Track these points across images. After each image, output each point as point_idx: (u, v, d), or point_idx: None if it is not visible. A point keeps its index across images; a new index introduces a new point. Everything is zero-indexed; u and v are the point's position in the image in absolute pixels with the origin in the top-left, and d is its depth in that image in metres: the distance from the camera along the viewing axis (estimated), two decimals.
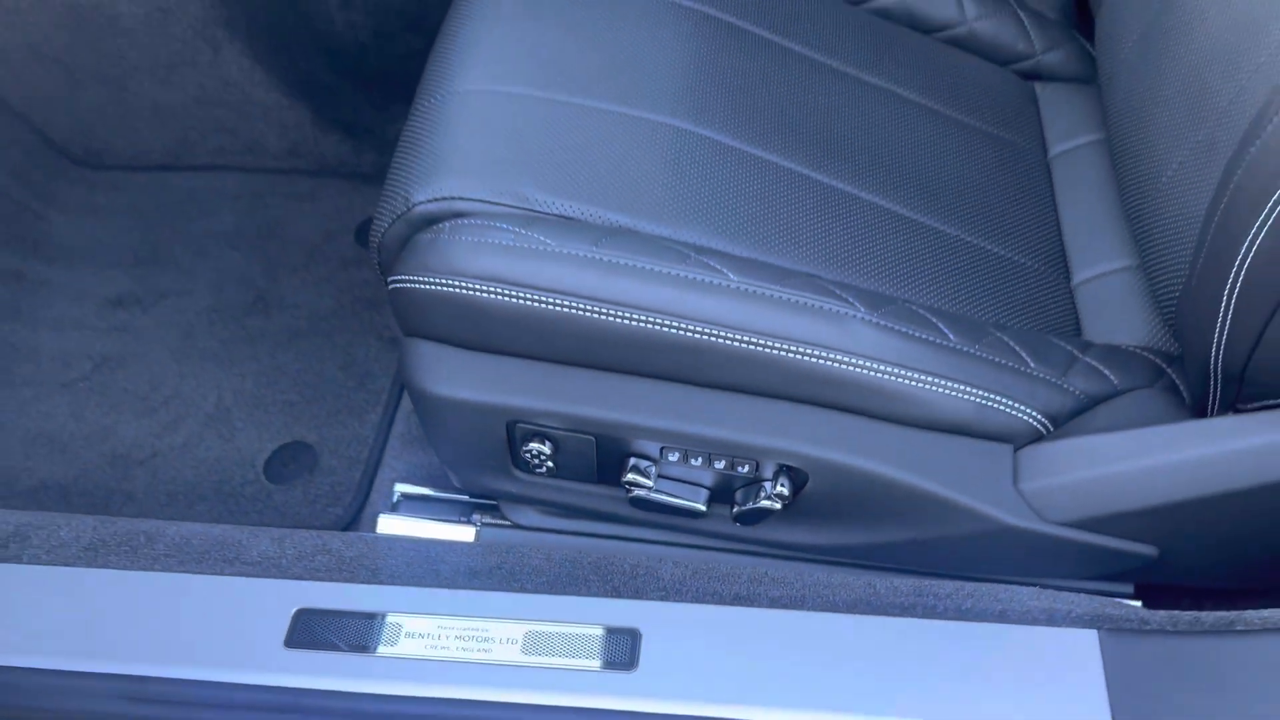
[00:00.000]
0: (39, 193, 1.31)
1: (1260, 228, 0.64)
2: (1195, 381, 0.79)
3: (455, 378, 0.79)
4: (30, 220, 1.29)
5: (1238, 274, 0.68)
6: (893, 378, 0.76)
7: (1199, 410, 0.80)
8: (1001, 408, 0.78)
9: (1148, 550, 0.79)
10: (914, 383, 0.76)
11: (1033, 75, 1.14)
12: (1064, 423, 0.80)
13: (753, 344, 0.75)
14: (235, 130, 1.33)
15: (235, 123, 1.32)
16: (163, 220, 1.30)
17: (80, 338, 1.19)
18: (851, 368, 0.75)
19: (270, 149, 1.33)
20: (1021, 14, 1.13)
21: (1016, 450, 0.78)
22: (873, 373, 0.75)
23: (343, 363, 1.14)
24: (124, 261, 1.26)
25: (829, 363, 0.75)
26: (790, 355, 0.75)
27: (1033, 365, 0.80)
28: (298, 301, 1.20)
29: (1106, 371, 0.83)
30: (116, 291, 1.24)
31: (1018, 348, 0.81)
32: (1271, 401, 0.76)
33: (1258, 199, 0.64)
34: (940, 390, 0.76)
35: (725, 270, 0.76)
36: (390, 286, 0.81)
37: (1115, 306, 0.94)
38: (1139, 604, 0.78)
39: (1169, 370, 0.85)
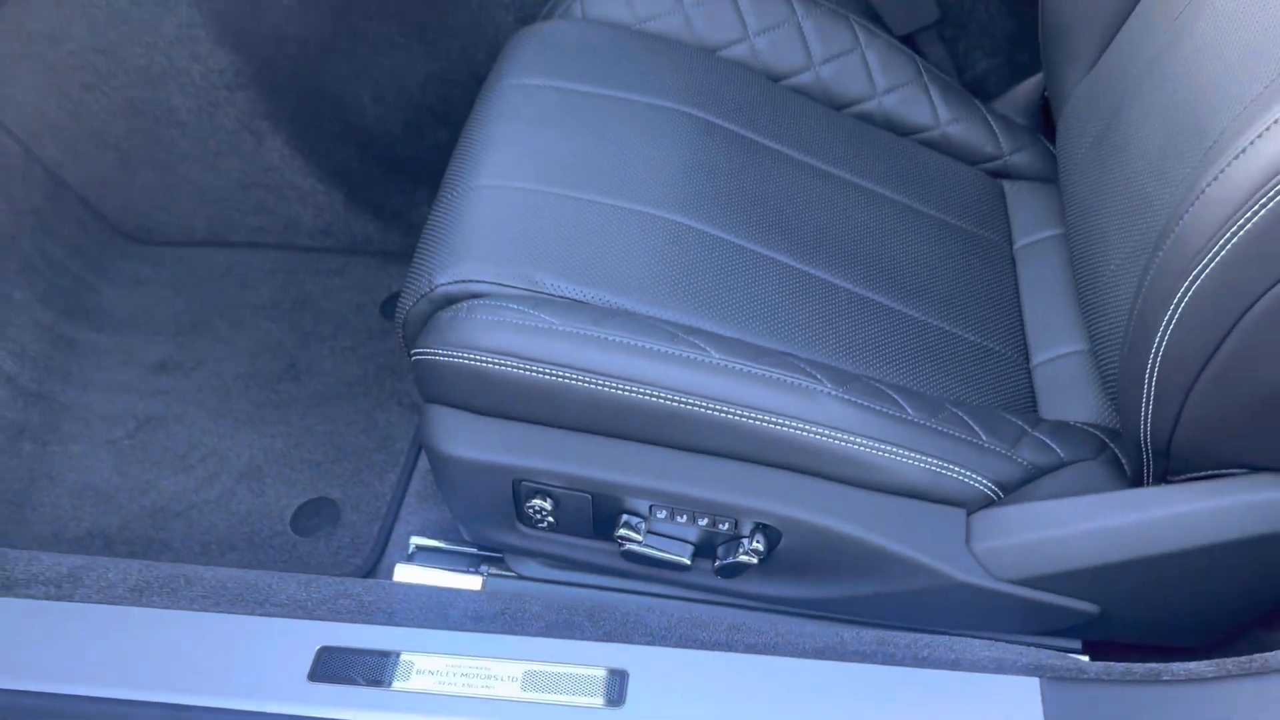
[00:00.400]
0: (93, 266, 1.43)
1: (1168, 323, 0.74)
2: (1132, 456, 0.88)
3: (468, 440, 0.89)
4: (84, 291, 1.40)
5: (1154, 363, 0.77)
6: (856, 446, 0.85)
7: (1136, 482, 0.89)
8: (955, 475, 0.87)
9: (1089, 608, 0.88)
10: (875, 451, 0.85)
11: (1001, 174, 1.24)
12: (1013, 490, 0.89)
13: (732, 414, 0.84)
14: (274, 211, 1.45)
15: (274, 204, 1.44)
16: (204, 292, 1.41)
17: (126, 399, 1.29)
18: (819, 436, 0.85)
19: (305, 228, 1.45)
20: (990, 119, 1.24)
21: (969, 514, 0.87)
22: (838, 441, 0.85)
23: (366, 426, 1.24)
24: (168, 329, 1.37)
25: (799, 432, 0.84)
26: (765, 424, 0.84)
27: (984, 438, 0.89)
28: (326, 369, 1.31)
29: (1053, 445, 0.92)
30: (160, 357, 1.34)
31: (971, 422, 0.90)
32: (1195, 474, 0.85)
33: (1166, 296, 0.74)
34: (899, 458, 0.86)
35: (709, 348, 0.86)
36: (413, 358, 0.91)
37: (1069, 386, 1.03)
38: (1086, 658, 0.86)
39: (1112, 445, 0.94)
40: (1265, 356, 0.72)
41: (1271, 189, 0.65)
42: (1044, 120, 1.29)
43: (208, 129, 1.39)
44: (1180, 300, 0.73)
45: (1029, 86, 1.29)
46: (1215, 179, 0.70)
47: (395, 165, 1.46)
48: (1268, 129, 0.67)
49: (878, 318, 1.00)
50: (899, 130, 1.22)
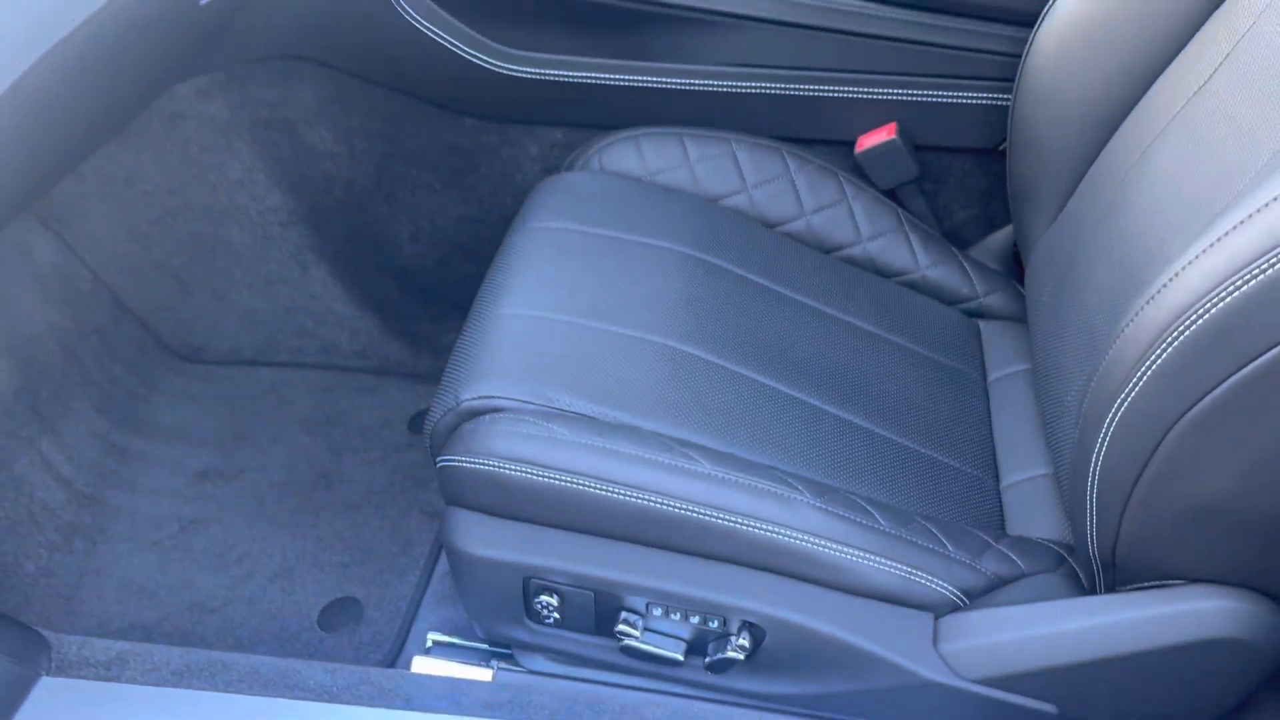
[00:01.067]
0: (146, 381, 1.56)
1: (1100, 447, 0.85)
2: (1085, 568, 0.98)
3: (484, 540, 1.00)
4: (137, 404, 1.53)
5: (1093, 484, 0.87)
6: (833, 551, 0.95)
7: (1090, 592, 0.98)
8: (923, 581, 0.96)
9: (1048, 708, 0.95)
10: (850, 556, 0.95)
11: (976, 314, 1.37)
12: (977, 597, 0.98)
13: (721, 519, 0.95)
14: (314, 334, 1.58)
15: (315, 328, 1.58)
16: (247, 407, 1.54)
17: (171, 503, 1.41)
18: (799, 541, 0.95)
19: (342, 350, 1.59)
20: (966, 264, 1.37)
21: (937, 618, 0.96)
22: (816, 546, 0.95)
23: (390, 531, 1.35)
24: (212, 440, 1.49)
25: (781, 536, 0.94)
26: (750, 529, 0.95)
27: (951, 549, 0.99)
28: (356, 478, 1.42)
29: (1015, 557, 1.01)
30: (204, 465, 1.46)
31: (939, 534, 1.00)
32: (1140, 584, 0.94)
33: (1097, 424, 0.85)
34: (872, 564, 0.95)
35: (702, 460, 0.97)
36: (439, 465, 1.02)
37: (1034, 507, 1.13)
38: None
39: (1069, 559, 1.03)
40: (1186, 476, 0.82)
41: (1177, 329, 0.77)
42: (1015, 266, 1.42)
43: (260, 260, 1.54)
44: (1108, 427, 0.84)
45: (1001, 236, 1.43)
46: (1132, 320, 0.81)
47: (427, 295, 1.60)
48: (1174, 277, 0.79)
49: (857, 438, 1.11)
50: (882, 273, 1.36)
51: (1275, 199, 0.74)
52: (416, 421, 1.50)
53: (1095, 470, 0.87)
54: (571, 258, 1.20)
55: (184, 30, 1.14)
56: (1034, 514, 1.12)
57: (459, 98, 1.44)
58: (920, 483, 1.10)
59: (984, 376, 1.30)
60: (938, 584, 0.96)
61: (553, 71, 1.39)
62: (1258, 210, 0.74)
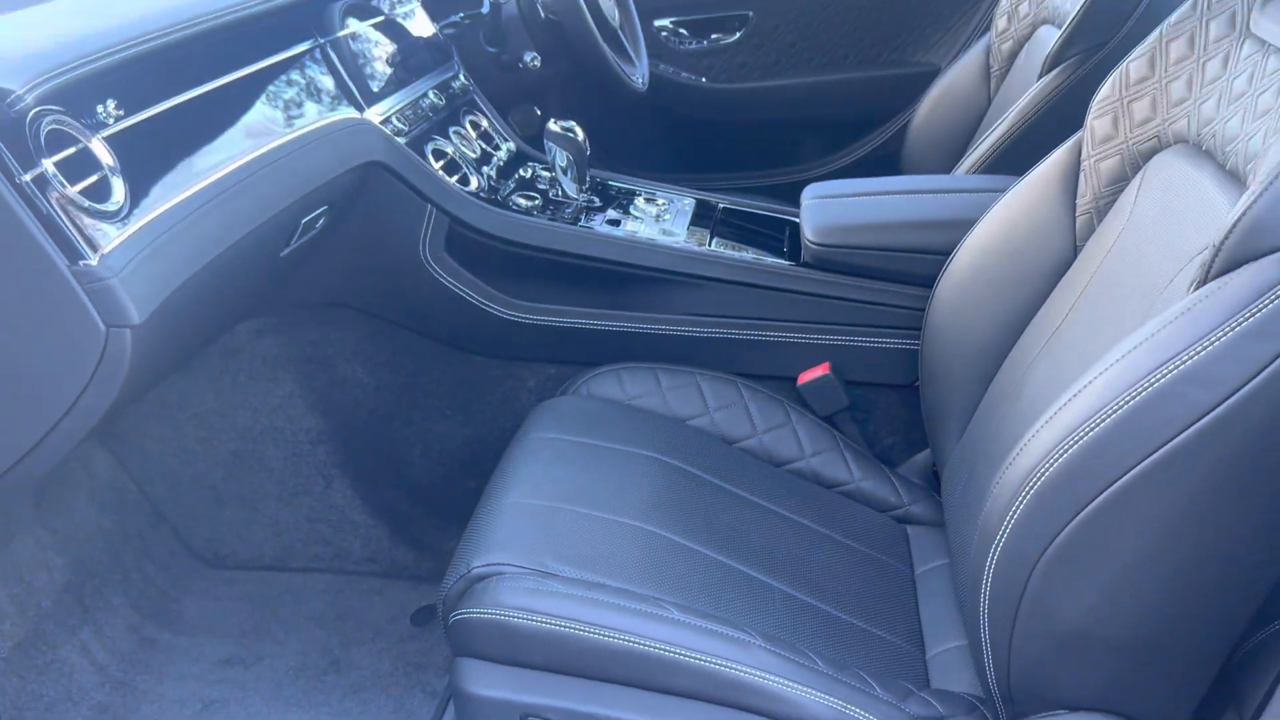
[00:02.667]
0: (177, 583, 1.75)
1: (985, 589, 1.07)
2: (992, 710, 1.17)
3: (489, 682, 1.18)
4: (167, 602, 1.71)
5: (984, 622, 1.09)
6: (779, 685, 1.14)
7: None
8: (855, 715, 1.15)
9: None
10: (794, 690, 1.14)
11: (904, 520, 1.61)
12: None
13: (687, 657, 1.15)
14: (330, 541, 1.80)
15: (332, 535, 1.80)
16: (266, 606, 1.72)
17: (195, 686, 1.56)
18: (750, 676, 1.14)
19: (354, 555, 1.79)
20: (894, 479, 1.64)
21: None
22: (764, 680, 1.14)
23: (394, 709, 1.51)
24: (233, 634, 1.67)
25: (736, 672, 1.14)
26: (710, 665, 1.14)
27: (880, 691, 1.19)
28: (364, 665, 1.59)
29: (935, 703, 1.21)
30: (225, 654, 1.63)
31: (870, 680, 1.20)
32: (1034, 717, 1.13)
33: (980, 568, 1.08)
34: (812, 697, 1.14)
35: (672, 609, 1.19)
36: (451, 620, 1.22)
37: (954, 669, 1.33)
38: None
39: (981, 706, 1.22)
40: (1052, 608, 1.04)
41: (1029, 485, 1.02)
42: (935, 480, 1.68)
43: (290, 475, 1.78)
44: (989, 571, 1.07)
45: (922, 457, 1.71)
46: (997, 482, 1.07)
47: (433, 507, 1.83)
48: (1024, 446, 1.05)
49: (801, 608, 1.32)
50: (823, 484, 1.61)
51: (1087, 386, 1.02)
52: (419, 616, 1.69)
53: (984, 609, 1.09)
54: (563, 460, 1.45)
55: (264, 276, 1.45)
56: (954, 674, 1.32)
57: (470, 339, 1.74)
58: (854, 646, 1.31)
59: (911, 570, 1.52)
60: (867, 719, 1.15)
61: (550, 318, 1.70)
62: (1076, 394, 1.02)
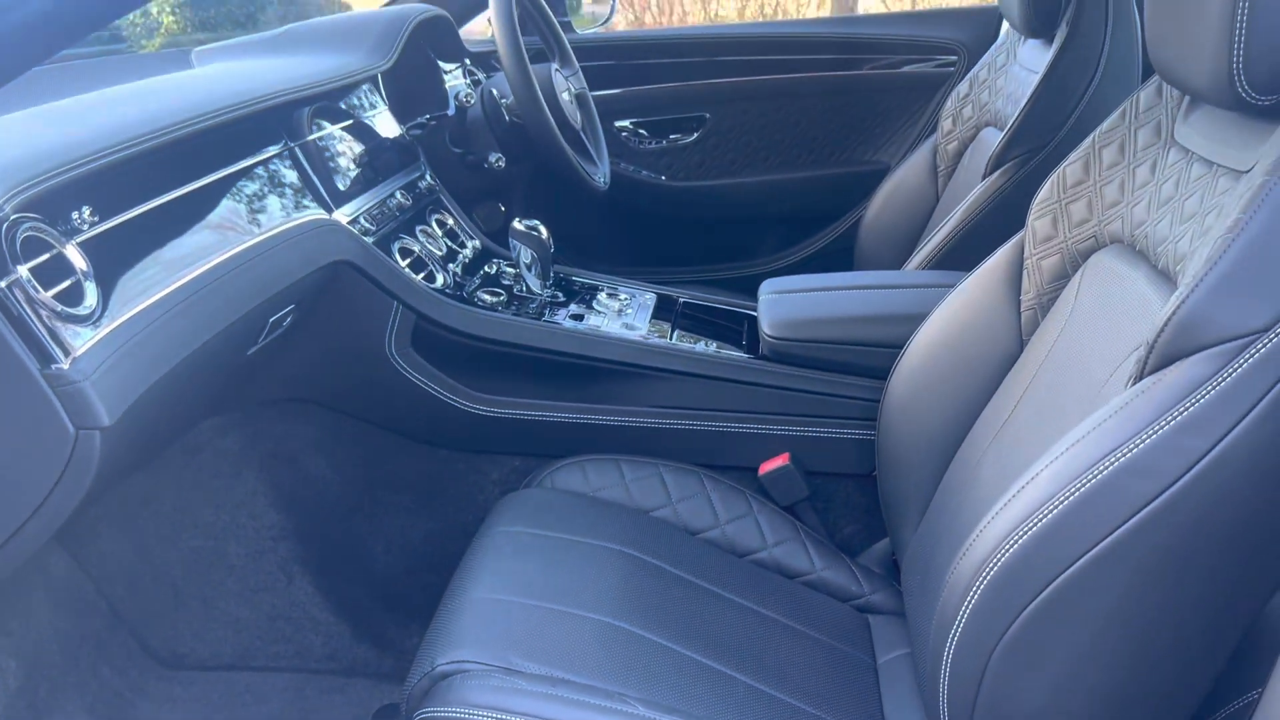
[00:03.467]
0: (133, 686, 1.72)
1: (945, 674, 1.10)
2: None
3: None
4: (124, 706, 1.68)
5: (943, 708, 1.11)
6: None
7: None
8: None
9: None
10: None
11: (865, 610, 1.63)
12: None
13: None
14: (291, 639, 1.78)
15: (293, 633, 1.78)
16: (225, 707, 1.69)
17: None
18: None
19: (315, 654, 1.77)
20: (854, 568, 1.66)
21: None
22: None
23: None
24: None
25: None
26: None
27: None
28: None
29: None
30: None
31: None
32: None
33: (939, 656, 1.10)
34: None
35: (638, 705, 1.19)
36: (416, 718, 1.22)
37: None
38: None
39: None
40: (1010, 693, 1.07)
41: (982, 575, 1.05)
42: (895, 569, 1.70)
43: (251, 571, 1.77)
44: (948, 658, 1.09)
45: (881, 545, 1.73)
46: (952, 571, 1.10)
47: (395, 603, 1.82)
48: (977, 536, 1.08)
49: (768, 703, 1.33)
50: (785, 574, 1.63)
51: (1036, 477, 1.06)
52: (382, 714, 1.67)
53: (944, 697, 1.11)
54: (527, 554, 1.46)
55: (231, 374, 1.46)
56: None
57: (435, 432, 1.76)
58: None
59: (874, 660, 1.54)
60: None
61: (514, 411, 1.73)
62: (1026, 485, 1.06)
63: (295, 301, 1.49)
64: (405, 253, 1.77)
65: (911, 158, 2.49)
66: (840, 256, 2.68)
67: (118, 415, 1.05)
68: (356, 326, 1.64)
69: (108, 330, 1.08)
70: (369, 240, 1.67)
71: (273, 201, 1.51)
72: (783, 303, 1.79)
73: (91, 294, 1.08)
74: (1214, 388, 0.96)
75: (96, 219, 1.13)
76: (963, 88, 2.37)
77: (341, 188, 1.71)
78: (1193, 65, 1.11)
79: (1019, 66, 2.18)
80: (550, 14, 2.28)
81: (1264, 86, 1.03)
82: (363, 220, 1.70)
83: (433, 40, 2.24)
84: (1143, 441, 0.98)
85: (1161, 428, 0.97)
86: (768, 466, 1.72)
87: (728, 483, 1.69)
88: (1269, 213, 0.97)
